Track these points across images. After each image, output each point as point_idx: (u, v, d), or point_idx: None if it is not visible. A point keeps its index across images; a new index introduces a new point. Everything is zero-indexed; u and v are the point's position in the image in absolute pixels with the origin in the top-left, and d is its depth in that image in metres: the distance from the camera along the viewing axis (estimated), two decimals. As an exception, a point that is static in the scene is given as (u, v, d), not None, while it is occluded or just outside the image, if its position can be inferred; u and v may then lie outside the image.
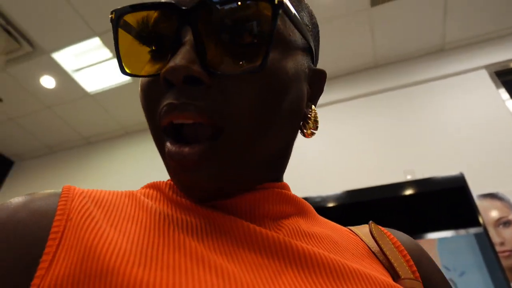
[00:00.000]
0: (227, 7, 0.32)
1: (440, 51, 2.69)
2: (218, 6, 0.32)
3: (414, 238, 2.22)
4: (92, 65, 2.81)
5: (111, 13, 0.35)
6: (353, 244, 0.43)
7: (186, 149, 0.32)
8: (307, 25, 0.42)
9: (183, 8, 0.32)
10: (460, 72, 2.52)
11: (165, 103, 0.33)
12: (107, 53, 2.70)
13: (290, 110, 0.37)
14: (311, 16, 0.45)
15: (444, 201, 2.07)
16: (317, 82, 0.44)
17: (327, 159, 2.46)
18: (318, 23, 2.39)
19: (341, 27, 2.53)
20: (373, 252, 0.44)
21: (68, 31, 2.51)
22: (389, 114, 2.52)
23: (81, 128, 3.44)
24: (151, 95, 0.35)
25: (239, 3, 0.31)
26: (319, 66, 2.78)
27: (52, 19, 2.46)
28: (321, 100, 2.75)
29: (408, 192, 2.11)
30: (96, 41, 2.60)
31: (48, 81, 2.93)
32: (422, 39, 2.63)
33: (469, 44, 2.63)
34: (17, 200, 0.33)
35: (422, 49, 2.70)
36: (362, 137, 2.46)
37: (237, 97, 0.32)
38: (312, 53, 0.43)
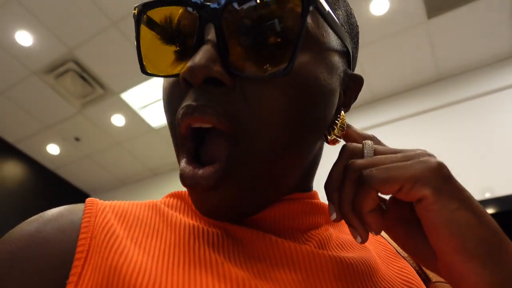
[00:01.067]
0: (254, 3, 0.29)
1: (511, 57, 2.48)
2: (244, 3, 0.29)
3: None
4: (155, 102, 3.00)
5: (134, 8, 0.33)
6: (383, 250, 0.42)
7: (200, 172, 0.29)
8: (343, 25, 0.38)
9: (207, 4, 0.29)
10: (538, 78, 2.30)
11: (183, 104, 0.30)
12: (168, 89, 2.87)
13: (318, 118, 0.34)
14: (350, 15, 0.41)
15: (532, 221, 1.85)
16: (352, 88, 0.40)
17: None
18: (375, 41, 2.37)
19: (399, 43, 2.45)
20: (402, 256, 0.43)
21: (134, 73, 2.72)
22: (459, 128, 2.35)
23: (147, 161, 3.65)
24: (172, 96, 0.33)
25: None
26: (376, 82, 2.71)
27: (120, 63, 2.69)
28: (383, 118, 2.66)
29: (488, 211, 1.92)
30: (159, 80, 2.79)
31: (118, 120, 3.18)
32: (488, 47, 2.45)
33: (545, 46, 2.40)
34: (42, 216, 0.32)
35: (489, 58, 2.51)
36: (430, 155, 2.31)
37: (260, 103, 0.29)
38: (349, 56, 0.39)
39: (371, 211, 0.30)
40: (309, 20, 0.31)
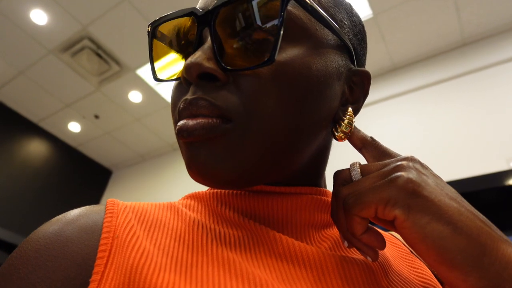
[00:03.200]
0: (242, 6, 0.32)
1: (543, 17, 2.32)
2: (233, 6, 0.32)
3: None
4: (171, 77, 2.99)
5: (148, 26, 0.39)
6: (397, 251, 0.44)
7: (195, 121, 0.31)
8: (341, 22, 0.39)
9: (201, 11, 0.34)
10: None
11: (182, 99, 0.33)
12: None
13: (314, 110, 0.35)
14: (351, 14, 0.42)
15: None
16: (359, 83, 0.41)
17: (417, 148, 2.28)
18: (396, 5, 2.26)
19: (422, 6, 2.33)
20: (417, 257, 0.44)
21: (148, 48, 2.70)
22: (484, 95, 2.25)
23: (166, 136, 3.69)
24: (176, 96, 0.36)
25: (252, 1, 0.32)
26: (397, 49, 2.60)
27: (134, 39, 2.67)
28: (405, 87, 2.57)
29: (513, 181, 1.86)
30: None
31: (135, 96, 3.20)
32: (520, 7, 2.30)
33: None
34: (65, 216, 0.33)
35: (520, 19, 2.36)
36: (455, 124, 2.23)
37: (251, 93, 0.32)
38: (350, 52, 0.40)
39: (363, 233, 0.32)
40: (297, 13, 0.34)
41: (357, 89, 0.41)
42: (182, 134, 0.32)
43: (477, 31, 2.45)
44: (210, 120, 0.31)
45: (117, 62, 2.87)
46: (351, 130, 0.38)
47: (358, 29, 0.43)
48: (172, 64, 0.38)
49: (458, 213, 0.27)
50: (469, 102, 2.27)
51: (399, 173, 0.30)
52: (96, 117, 3.48)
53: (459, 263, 0.26)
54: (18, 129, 3.56)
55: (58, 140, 3.87)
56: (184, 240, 0.33)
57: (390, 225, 0.34)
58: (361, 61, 0.44)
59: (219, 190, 0.40)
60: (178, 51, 0.38)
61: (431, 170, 0.33)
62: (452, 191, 0.30)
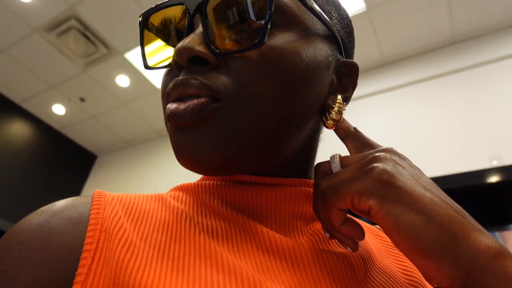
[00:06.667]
0: None
1: (532, 19, 2.35)
2: None
3: (499, 230, 2.01)
4: (160, 62, 2.94)
5: (139, 16, 0.40)
6: (383, 244, 0.44)
7: (185, 105, 0.32)
8: (329, 13, 0.41)
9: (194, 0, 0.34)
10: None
11: (172, 81, 0.33)
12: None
13: (303, 95, 0.35)
14: (338, 8, 0.44)
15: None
16: (347, 74, 0.42)
17: (402, 144, 2.30)
18: (388, 1, 2.25)
19: (415, 3, 2.33)
20: None
21: (137, 32, 2.64)
22: (471, 94, 2.28)
23: (153, 122, 3.65)
24: (166, 82, 0.36)
25: None
26: (388, 45, 2.61)
27: (123, 22, 2.61)
28: (395, 82, 2.59)
29: (494, 179, 1.90)
30: (162, 39, 2.71)
31: (123, 80, 3.14)
32: (508, 8, 2.32)
33: None
34: (50, 208, 0.32)
35: (508, 20, 2.38)
36: (441, 121, 2.26)
37: (241, 75, 0.32)
38: (338, 43, 0.41)
39: (342, 224, 0.32)
40: (287, 1, 0.35)
41: (345, 80, 0.42)
42: (172, 118, 0.32)
43: (466, 30, 2.47)
44: (199, 101, 0.31)
45: (105, 45, 2.80)
46: (341, 118, 0.39)
47: (346, 22, 0.44)
48: (163, 52, 0.39)
49: (431, 203, 0.28)
50: (455, 100, 2.30)
51: (375, 164, 0.30)
52: (82, 100, 3.41)
53: (431, 252, 0.26)
54: None
55: (42, 122, 3.78)
56: (172, 232, 0.33)
57: (367, 215, 0.34)
58: (349, 54, 0.45)
59: (207, 182, 0.40)
60: (169, 39, 0.39)
61: (409, 161, 0.33)
62: (427, 181, 0.30)
